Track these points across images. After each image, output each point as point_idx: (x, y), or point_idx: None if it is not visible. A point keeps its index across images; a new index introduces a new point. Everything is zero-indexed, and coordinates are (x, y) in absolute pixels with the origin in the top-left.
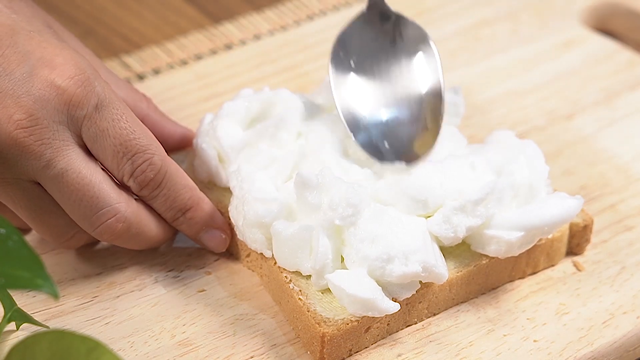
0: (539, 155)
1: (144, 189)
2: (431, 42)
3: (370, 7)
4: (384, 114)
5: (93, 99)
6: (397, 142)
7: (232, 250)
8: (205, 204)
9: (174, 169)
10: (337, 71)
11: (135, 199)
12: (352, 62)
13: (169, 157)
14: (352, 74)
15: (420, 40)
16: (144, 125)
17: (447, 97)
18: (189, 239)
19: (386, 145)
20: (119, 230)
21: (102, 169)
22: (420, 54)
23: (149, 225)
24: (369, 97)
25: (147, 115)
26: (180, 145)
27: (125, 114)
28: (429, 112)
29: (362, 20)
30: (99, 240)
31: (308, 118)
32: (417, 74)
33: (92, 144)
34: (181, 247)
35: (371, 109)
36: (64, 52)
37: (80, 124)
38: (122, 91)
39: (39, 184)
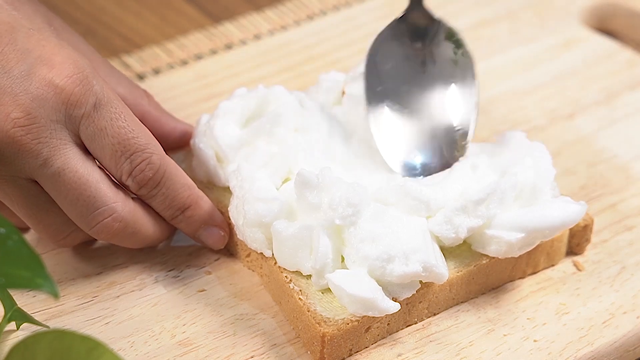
0: (546, 157)
1: (142, 188)
2: (472, 66)
3: (409, 9)
4: (411, 139)
5: (91, 98)
6: (428, 169)
7: (232, 250)
8: (203, 202)
9: (172, 167)
10: (370, 89)
11: (132, 198)
12: (383, 86)
13: (167, 156)
14: (384, 99)
15: (463, 62)
16: (142, 124)
17: None
18: (187, 237)
19: (418, 171)
20: (116, 230)
21: (99, 167)
22: (453, 79)
23: (146, 225)
24: (400, 121)
25: (147, 112)
26: (181, 142)
27: (123, 112)
28: (451, 142)
29: (397, 29)
30: (95, 239)
31: (303, 114)
32: (447, 100)
33: (90, 143)
34: (181, 247)
35: (401, 133)
36: (62, 50)
37: (78, 123)
38: (123, 88)
39: (36, 182)
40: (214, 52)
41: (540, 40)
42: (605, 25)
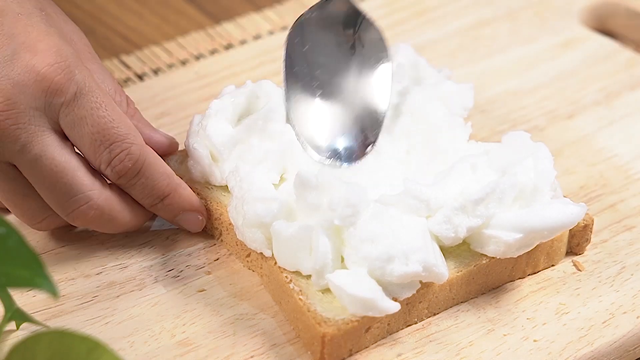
0: (547, 158)
1: (121, 178)
2: (389, 52)
3: None
4: (329, 117)
5: (72, 87)
6: (338, 151)
7: (231, 250)
8: (182, 189)
9: (151, 157)
10: (291, 68)
11: (110, 185)
12: (299, 68)
13: (147, 146)
14: (305, 76)
15: (379, 47)
16: (123, 114)
17: (457, 89)
18: (166, 221)
19: (327, 152)
20: (92, 217)
21: (78, 154)
22: (376, 63)
23: (123, 212)
24: (318, 101)
25: None
26: (157, 152)
27: (104, 102)
28: (369, 122)
29: (323, 9)
30: (73, 225)
31: None
32: (368, 83)
33: (70, 131)
34: (180, 247)
35: (318, 111)
36: (48, 38)
37: (58, 110)
38: (105, 87)
39: (15, 166)
40: (214, 52)
41: (540, 40)
42: (605, 25)
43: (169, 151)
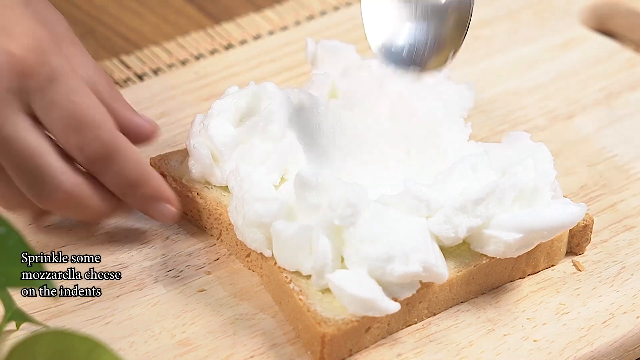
0: (547, 158)
1: (91, 164)
2: None
3: None
4: (407, 25)
5: (46, 70)
6: (416, 51)
7: (231, 250)
8: (154, 179)
9: (124, 145)
10: None
11: (82, 171)
12: None
13: (120, 133)
14: None
15: None
16: (97, 100)
17: (457, 89)
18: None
19: (404, 53)
20: (60, 202)
21: (51, 139)
22: None
23: (93, 199)
24: (396, 10)
25: (100, 100)
26: (138, 139)
27: (78, 87)
28: (451, 29)
29: None
30: (48, 211)
31: (296, 111)
32: None
33: (43, 115)
34: (180, 246)
35: (396, 19)
36: (25, 21)
37: (31, 94)
38: (84, 71)
39: None
40: (213, 52)
41: (540, 40)
42: (605, 25)
43: (149, 135)
